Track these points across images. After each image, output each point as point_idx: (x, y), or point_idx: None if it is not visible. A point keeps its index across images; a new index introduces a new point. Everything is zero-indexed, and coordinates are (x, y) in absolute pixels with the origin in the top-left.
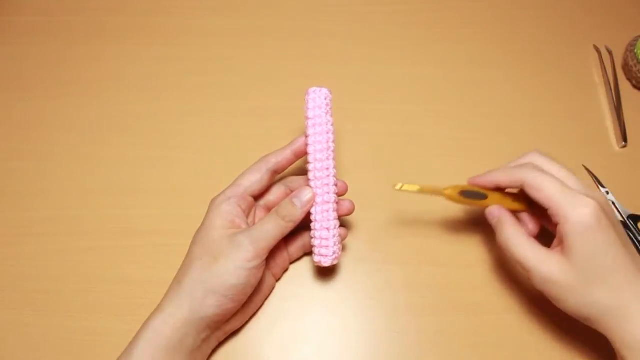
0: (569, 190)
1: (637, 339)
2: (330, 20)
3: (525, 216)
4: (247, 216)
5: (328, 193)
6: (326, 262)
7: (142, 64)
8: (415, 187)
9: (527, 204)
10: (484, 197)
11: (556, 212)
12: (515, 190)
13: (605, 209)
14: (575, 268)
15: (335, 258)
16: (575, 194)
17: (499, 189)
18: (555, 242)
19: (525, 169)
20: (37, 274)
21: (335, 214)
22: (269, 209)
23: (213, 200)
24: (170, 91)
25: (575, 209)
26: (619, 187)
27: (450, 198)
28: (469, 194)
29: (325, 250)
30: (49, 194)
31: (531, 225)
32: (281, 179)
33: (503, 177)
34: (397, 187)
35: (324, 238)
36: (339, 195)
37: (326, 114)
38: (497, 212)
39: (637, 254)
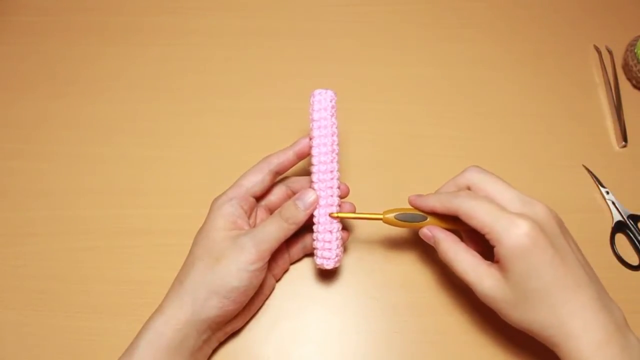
0: (502, 213)
1: (582, 355)
2: (330, 20)
3: (466, 238)
4: (249, 217)
5: (331, 196)
6: (329, 265)
7: (142, 64)
8: (352, 215)
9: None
10: (424, 218)
11: (490, 237)
12: None
13: (544, 224)
14: (512, 287)
15: (338, 261)
16: (509, 217)
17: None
18: (494, 260)
19: (459, 197)
20: (37, 274)
21: None
22: (270, 210)
23: (214, 201)
24: (170, 91)
25: (508, 233)
26: (619, 187)
27: (388, 222)
28: (408, 217)
29: (327, 253)
30: (49, 194)
31: (472, 245)
32: (283, 179)
33: (438, 205)
34: (334, 215)
35: (327, 241)
36: (341, 197)
37: (331, 116)
38: (430, 232)
39: (579, 266)
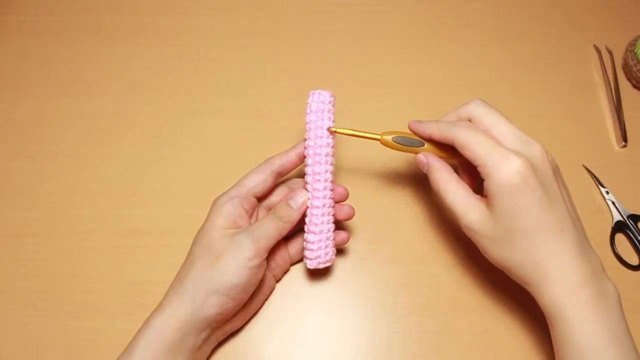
0: (497, 148)
1: (554, 300)
2: (330, 20)
3: (461, 170)
4: (250, 217)
5: (318, 198)
6: (310, 265)
7: (142, 64)
8: (350, 131)
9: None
10: (421, 144)
11: (482, 170)
12: None
13: (537, 165)
14: (496, 223)
15: (320, 262)
16: (503, 152)
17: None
18: (483, 193)
19: (457, 127)
20: (37, 274)
21: (326, 219)
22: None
23: (215, 200)
24: (170, 91)
25: (499, 168)
26: (619, 187)
27: (385, 143)
28: (405, 141)
29: (309, 253)
30: (49, 194)
31: (466, 178)
32: (285, 180)
33: (436, 133)
34: (332, 129)
35: (310, 241)
36: (339, 200)
37: (322, 118)
38: (426, 158)
39: (565, 211)
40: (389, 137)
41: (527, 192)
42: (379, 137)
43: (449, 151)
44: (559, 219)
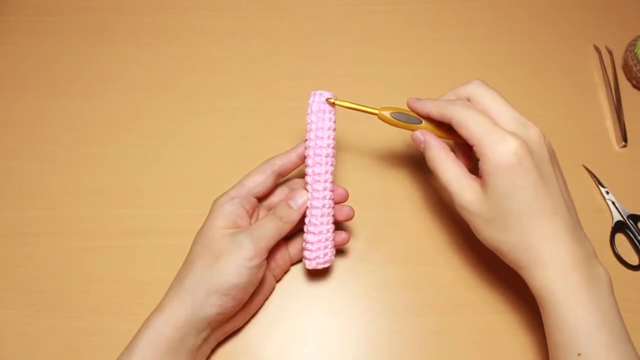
0: (494, 128)
1: (545, 284)
2: (330, 20)
3: (457, 150)
4: (250, 217)
5: (318, 198)
6: (309, 265)
7: (142, 64)
8: (349, 103)
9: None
10: (419, 122)
11: (477, 149)
12: None
13: (533, 147)
14: (490, 204)
15: (319, 263)
16: (500, 133)
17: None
18: (479, 174)
19: (455, 106)
20: (37, 274)
21: (325, 220)
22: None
23: (216, 200)
24: (170, 91)
25: (495, 148)
26: (619, 187)
27: (383, 118)
28: (403, 117)
29: (308, 253)
30: (49, 194)
31: (462, 159)
32: (285, 181)
33: (434, 110)
34: (331, 101)
35: (309, 242)
36: (339, 201)
37: (323, 119)
38: (422, 136)
39: (559, 195)
40: (387, 113)
41: (521, 173)
42: (377, 112)
43: (446, 130)
44: (553, 202)
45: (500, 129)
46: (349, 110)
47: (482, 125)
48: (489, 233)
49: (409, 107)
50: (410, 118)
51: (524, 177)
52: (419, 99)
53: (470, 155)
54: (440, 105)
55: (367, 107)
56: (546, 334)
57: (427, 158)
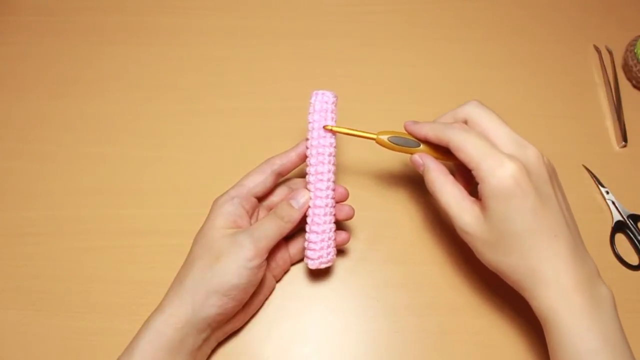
0: (491, 151)
1: (548, 305)
2: (330, 20)
3: (457, 172)
4: (250, 217)
5: (320, 197)
6: (312, 265)
7: (142, 64)
8: (346, 129)
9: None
10: (417, 144)
11: (476, 173)
12: None
13: (532, 169)
14: (490, 227)
15: (322, 262)
16: (498, 156)
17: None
18: (478, 197)
19: (452, 129)
20: (37, 274)
21: (328, 219)
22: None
23: (216, 200)
24: (170, 91)
25: (493, 172)
26: (619, 187)
27: (380, 143)
28: (401, 141)
29: (311, 253)
30: (49, 194)
31: (461, 181)
32: (285, 180)
33: (431, 134)
34: (329, 128)
35: (312, 241)
36: (339, 200)
37: (326, 118)
38: (421, 159)
39: (560, 215)
40: (384, 137)
41: (520, 196)
42: (374, 136)
43: (445, 152)
44: (553, 224)
45: (498, 153)
46: (349, 110)
47: (480, 149)
48: (491, 256)
49: (406, 130)
50: (408, 141)
51: (523, 200)
52: (415, 122)
53: (469, 177)
54: (438, 128)
55: (365, 132)
56: (550, 354)
57: (426, 181)
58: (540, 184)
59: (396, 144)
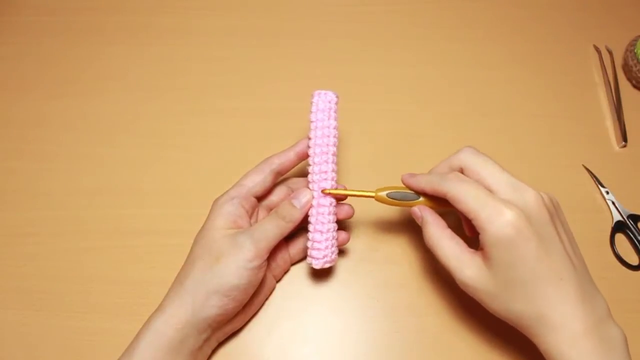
0: (489, 200)
1: (558, 350)
2: (330, 20)
3: (463, 220)
4: (250, 217)
5: (324, 197)
6: (317, 265)
7: (142, 64)
8: (344, 191)
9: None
10: (417, 197)
11: (476, 223)
12: None
13: (531, 213)
14: (494, 276)
15: (327, 262)
16: (496, 205)
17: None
18: (479, 247)
19: (448, 180)
20: (37, 274)
21: (331, 218)
22: (271, 210)
23: (216, 201)
24: (170, 91)
25: (492, 220)
26: (619, 187)
27: (380, 200)
28: (400, 195)
29: (316, 253)
30: (49, 194)
31: (468, 228)
32: (284, 180)
33: (428, 187)
34: (327, 192)
35: (316, 241)
36: (339, 200)
37: (328, 117)
38: (420, 212)
39: (564, 257)
40: (383, 194)
41: (521, 243)
42: (373, 194)
43: (445, 202)
44: (558, 267)
45: (496, 201)
46: (349, 110)
47: (477, 199)
48: (497, 306)
49: (404, 184)
50: (407, 195)
51: (525, 247)
52: (412, 175)
53: (466, 230)
54: (434, 181)
55: (362, 191)
56: None
57: (424, 235)
58: (542, 227)
59: (395, 199)
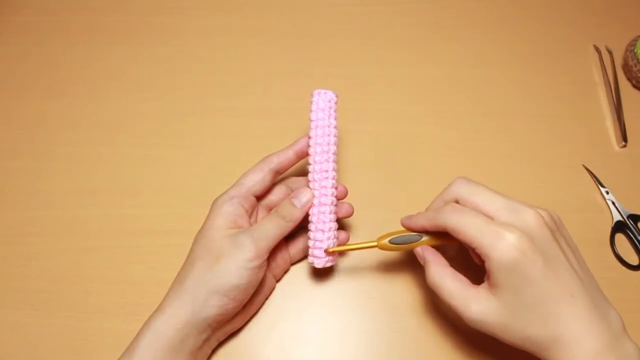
0: (488, 226)
1: None
2: (330, 20)
3: (470, 250)
4: (250, 216)
5: (325, 195)
6: (319, 264)
7: (142, 64)
8: (346, 247)
9: None
10: (419, 237)
11: (479, 251)
12: None
13: (533, 233)
14: (503, 305)
15: (328, 261)
16: (496, 230)
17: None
18: (485, 276)
19: (445, 213)
20: (37, 274)
21: (332, 217)
22: (270, 209)
23: (215, 200)
24: (170, 91)
25: (494, 246)
26: (619, 187)
27: (383, 248)
28: (401, 239)
29: (318, 252)
30: (49, 194)
31: (477, 258)
32: (283, 179)
33: (427, 224)
34: (330, 250)
35: (318, 240)
36: (339, 198)
37: (329, 117)
38: (422, 252)
39: (572, 274)
40: (385, 241)
41: (527, 265)
42: (375, 244)
43: (449, 236)
44: (568, 284)
45: (495, 226)
46: (349, 110)
47: (476, 227)
48: (512, 335)
49: (404, 227)
50: (409, 237)
51: (531, 268)
52: (410, 217)
53: (475, 259)
54: (431, 217)
55: (364, 243)
56: None
57: (426, 276)
58: (545, 246)
59: (398, 244)
